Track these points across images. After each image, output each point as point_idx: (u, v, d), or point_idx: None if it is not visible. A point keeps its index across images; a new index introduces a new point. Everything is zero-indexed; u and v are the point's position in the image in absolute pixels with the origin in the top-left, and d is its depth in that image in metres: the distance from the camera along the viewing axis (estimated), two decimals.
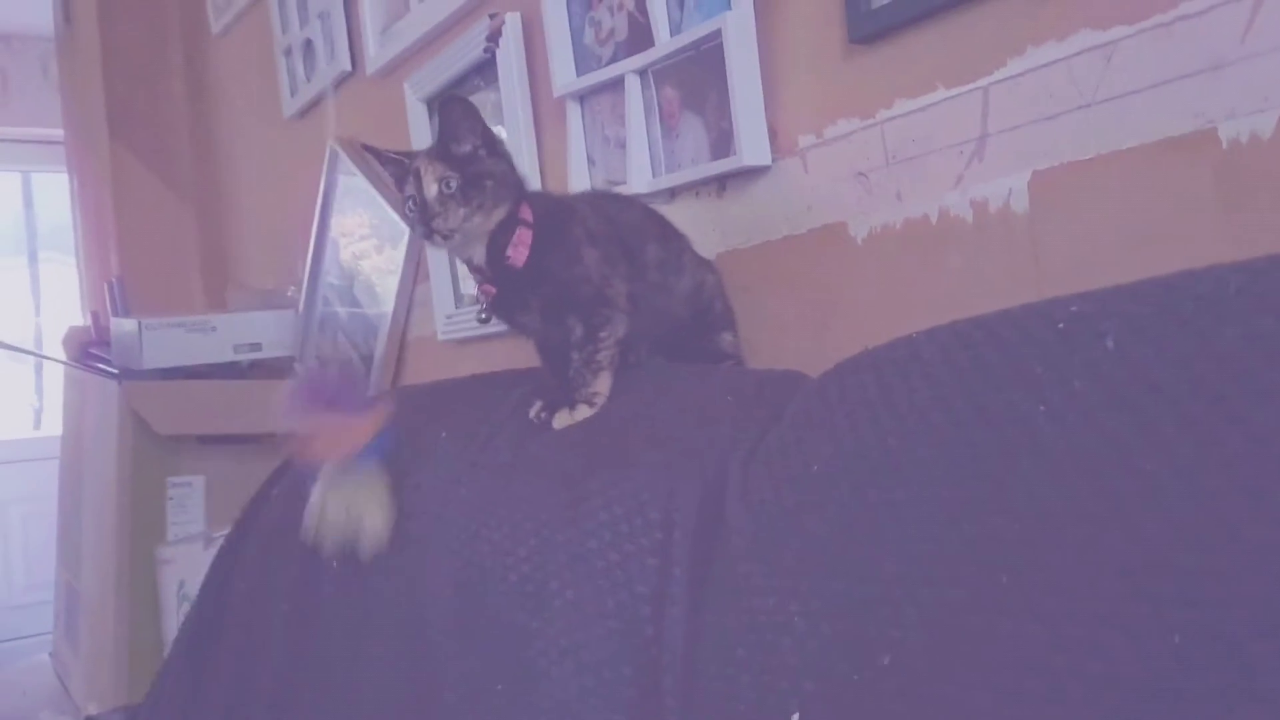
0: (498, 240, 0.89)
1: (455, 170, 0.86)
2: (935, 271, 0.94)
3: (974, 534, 0.55)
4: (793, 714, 0.60)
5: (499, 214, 0.88)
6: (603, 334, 0.91)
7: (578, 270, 0.90)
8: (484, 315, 0.94)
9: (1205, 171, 0.74)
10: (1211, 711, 0.43)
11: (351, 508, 0.89)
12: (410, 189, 0.87)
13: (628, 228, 0.98)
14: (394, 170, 0.91)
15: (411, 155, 0.90)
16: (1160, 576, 0.45)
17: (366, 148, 0.96)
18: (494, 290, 0.91)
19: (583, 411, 0.90)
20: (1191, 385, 0.49)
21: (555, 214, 0.92)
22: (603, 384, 0.91)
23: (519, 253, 0.89)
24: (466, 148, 0.87)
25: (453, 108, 0.88)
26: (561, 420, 0.91)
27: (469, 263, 0.92)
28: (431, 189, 0.85)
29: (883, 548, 0.59)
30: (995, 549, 0.53)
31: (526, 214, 0.90)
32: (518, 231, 0.89)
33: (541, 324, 0.93)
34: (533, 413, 0.94)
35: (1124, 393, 0.52)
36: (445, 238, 0.86)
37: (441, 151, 0.88)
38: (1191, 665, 0.43)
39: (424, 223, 0.86)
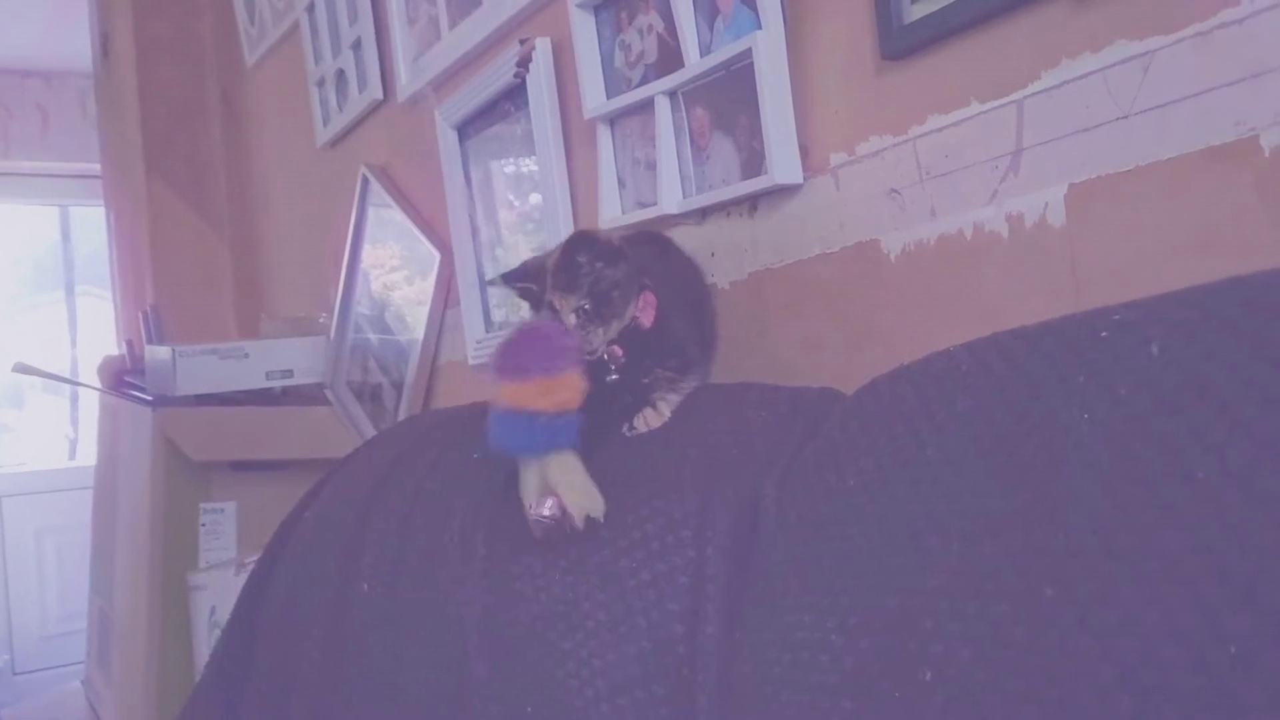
0: None
1: (585, 296, 0.91)
2: (970, 287, 0.93)
3: (1018, 545, 0.53)
4: None
5: (632, 308, 0.94)
6: (689, 378, 0.96)
7: (690, 331, 0.98)
8: (615, 376, 0.95)
9: (1247, 180, 0.73)
10: None
11: (561, 487, 0.88)
12: (548, 316, 0.93)
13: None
14: (525, 294, 0.97)
15: (540, 279, 0.94)
16: (1215, 583, 0.44)
17: (496, 279, 1.01)
18: (621, 352, 0.94)
19: (663, 412, 0.93)
20: (1242, 388, 0.47)
21: (659, 276, 0.97)
22: (669, 406, 0.94)
23: (647, 314, 0.94)
24: (586, 274, 0.92)
25: (571, 250, 0.92)
26: (646, 420, 0.93)
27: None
28: (570, 320, 0.91)
29: (924, 560, 0.58)
30: (1040, 560, 0.52)
31: (647, 280, 0.95)
32: (643, 296, 0.94)
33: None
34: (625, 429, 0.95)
35: (1172, 398, 0.50)
36: (593, 353, 0.91)
37: (568, 282, 0.92)
38: (1249, 674, 0.42)
39: None
